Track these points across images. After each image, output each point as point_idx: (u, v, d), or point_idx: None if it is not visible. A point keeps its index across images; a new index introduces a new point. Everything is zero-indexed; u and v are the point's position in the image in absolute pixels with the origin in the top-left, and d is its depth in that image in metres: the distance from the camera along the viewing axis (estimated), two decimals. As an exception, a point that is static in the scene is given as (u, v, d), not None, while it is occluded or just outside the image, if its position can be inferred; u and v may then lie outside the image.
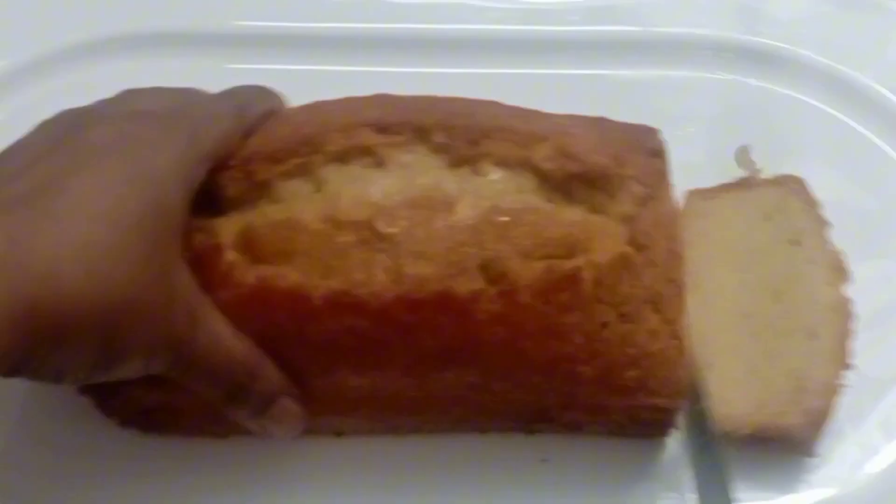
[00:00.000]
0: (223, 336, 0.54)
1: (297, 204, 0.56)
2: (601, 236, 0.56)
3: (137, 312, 0.49)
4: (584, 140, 0.59)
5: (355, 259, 0.53)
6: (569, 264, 0.54)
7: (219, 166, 0.57)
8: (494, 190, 0.56)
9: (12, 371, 0.46)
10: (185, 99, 0.59)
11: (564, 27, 0.84)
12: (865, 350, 0.67)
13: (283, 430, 0.59)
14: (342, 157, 0.57)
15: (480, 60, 0.82)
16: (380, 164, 0.57)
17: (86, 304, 0.46)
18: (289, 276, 0.54)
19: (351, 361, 0.55)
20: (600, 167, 0.58)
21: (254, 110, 0.61)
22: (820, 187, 0.71)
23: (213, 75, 0.67)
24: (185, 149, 0.53)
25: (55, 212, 0.46)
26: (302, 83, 0.67)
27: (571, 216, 0.56)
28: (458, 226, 0.54)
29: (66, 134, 0.52)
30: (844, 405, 0.64)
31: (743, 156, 0.71)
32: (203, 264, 0.55)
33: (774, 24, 0.84)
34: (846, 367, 0.64)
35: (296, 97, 0.65)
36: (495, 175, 0.57)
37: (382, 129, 0.57)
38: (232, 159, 0.57)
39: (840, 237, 0.69)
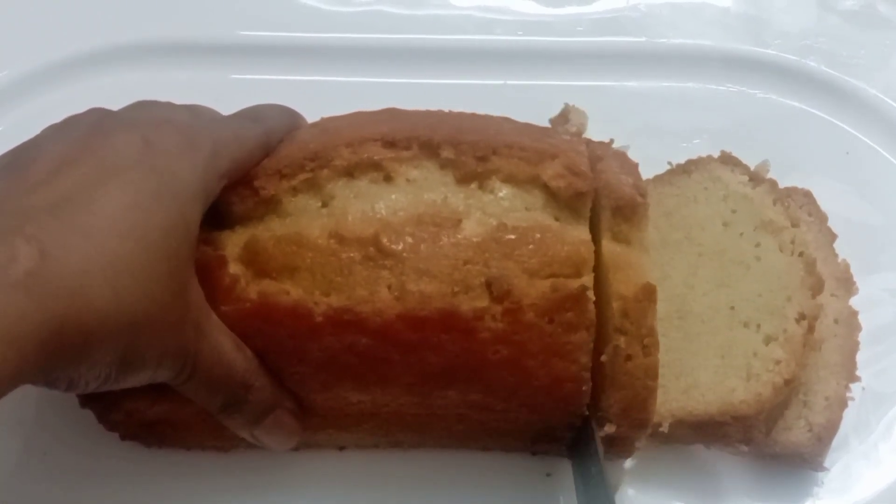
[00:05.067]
0: (225, 348, 0.54)
1: (304, 219, 0.56)
2: (625, 267, 0.56)
3: (155, 328, 0.49)
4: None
5: (359, 276, 0.53)
6: (575, 283, 0.54)
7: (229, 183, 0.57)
8: (502, 207, 0.56)
9: (28, 381, 0.45)
10: (203, 115, 0.59)
11: (572, 38, 0.84)
12: (871, 363, 0.67)
13: (277, 441, 0.59)
14: (350, 172, 0.56)
15: (487, 72, 0.81)
16: (387, 178, 0.56)
17: (111, 321, 0.46)
18: (291, 292, 0.53)
19: (352, 378, 0.55)
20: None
21: (279, 133, 0.60)
22: (826, 199, 0.71)
23: (219, 85, 0.67)
24: (206, 163, 0.53)
25: (85, 226, 0.47)
26: (308, 94, 0.68)
27: (579, 234, 0.56)
28: (463, 243, 0.54)
29: (89, 138, 0.52)
30: (850, 418, 0.64)
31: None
32: (207, 276, 0.54)
33: (782, 37, 0.83)
34: (852, 380, 0.64)
35: (302, 108, 0.65)
36: (503, 192, 0.56)
37: (390, 143, 0.57)
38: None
39: (847, 250, 0.69)
